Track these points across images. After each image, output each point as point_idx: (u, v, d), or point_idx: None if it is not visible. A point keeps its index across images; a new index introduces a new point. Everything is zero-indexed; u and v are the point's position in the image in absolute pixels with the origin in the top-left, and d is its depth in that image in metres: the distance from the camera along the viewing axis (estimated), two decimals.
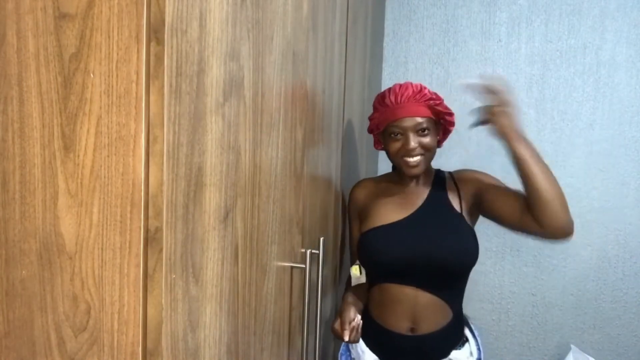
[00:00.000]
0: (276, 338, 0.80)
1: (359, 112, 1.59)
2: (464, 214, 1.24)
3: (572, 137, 2.05)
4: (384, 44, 2.20)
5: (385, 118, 1.23)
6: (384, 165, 2.22)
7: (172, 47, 0.43)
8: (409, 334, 1.22)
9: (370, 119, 1.31)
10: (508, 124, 1.12)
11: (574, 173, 2.06)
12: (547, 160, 2.17)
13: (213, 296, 0.54)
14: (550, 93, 2.06)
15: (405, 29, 2.17)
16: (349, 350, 1.35)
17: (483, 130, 2.22)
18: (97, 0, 0.42)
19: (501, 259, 2.13)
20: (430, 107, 1.22)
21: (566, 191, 2.03)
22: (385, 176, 1.39)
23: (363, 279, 1.30)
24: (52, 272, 0.45)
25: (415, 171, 1.22)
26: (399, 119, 1.20)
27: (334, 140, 1.20)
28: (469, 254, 1.20)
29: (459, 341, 1.26)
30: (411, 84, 1.24)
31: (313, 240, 1.01)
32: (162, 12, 0.42)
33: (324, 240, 0.97)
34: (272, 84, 0.69)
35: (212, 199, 0.53)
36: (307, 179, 0.93)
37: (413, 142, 1.19)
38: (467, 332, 1.29)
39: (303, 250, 0.93)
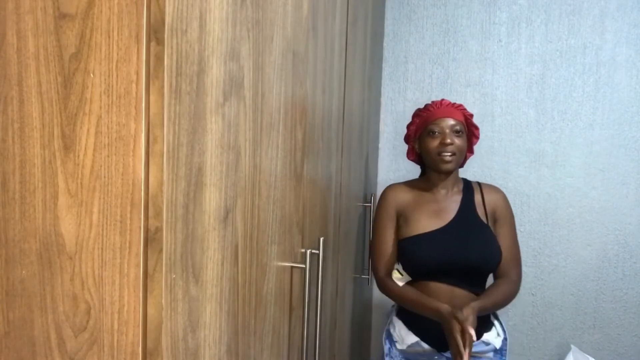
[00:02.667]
0: (276, 338, 0.80)
1: (359, 112, 1.59)
2: (489, 224, 1.47)
3: (572, 137, 2.05)
4: (384, 44, 2.20)
5: (426, 119, 1.46)
6: (385, 166, 2.22)
7: (172, 47, 0.43)
8: None
9: (409, 126, 1.53)
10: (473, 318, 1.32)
11: (574, 173, 2.06)
12: (547, 160, 2.17)
13: (213, 296, 0.55)
14: (550, 93, 2.06)
15: (405, 29, 2.17)
16: (389, 335, 1.53)
17: (483, 131, 2.21)
18: (97, 0, 0.42)
19: None
20: (464, 116, 1.47)
21: (566, 191, 2.05)
22: (415, 183, 1.57)
23: (407, 277, 1.48)
24: (52, 272, 0.45)
25: (449, 167, 1.42)
26: (439, 118, 1.43)
27: (334, 140, 1.20)
28: (496, 259, 1.43)
29: (488, 326, 1.46)
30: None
31: (313, 240, 1.01)
32: (162, 12, 0.42)
33: (324, 240, 0.97)
34: (272, 84, 0.70)
35: (212, 199, 0.53)
36: (307, 179, 0.93)
37: (449, 138, 1.40)
38: (492, 317, 1.50)
39: (303, 250, 0.93)
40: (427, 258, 1.41)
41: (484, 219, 1.47)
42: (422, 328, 1.44)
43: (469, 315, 1.28)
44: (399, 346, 1.48)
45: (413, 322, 1.46)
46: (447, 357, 1.44)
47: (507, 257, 1.46)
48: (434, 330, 1.39)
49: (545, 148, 2.07)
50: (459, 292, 1.41)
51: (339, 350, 1.47)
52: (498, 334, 1.46)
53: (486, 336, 1.44)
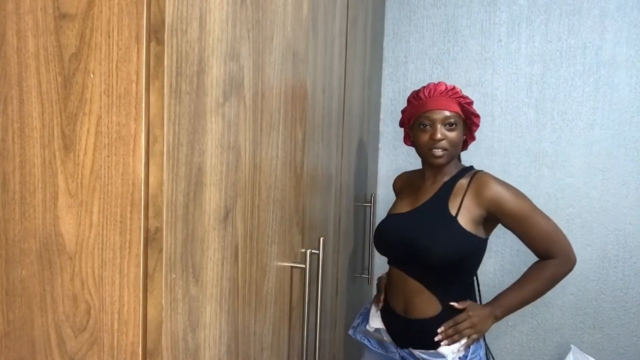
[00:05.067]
0: (276, 338, 0.80)
1: (359, 112, 1.59)
2: (460, 218, 1.28)
3: (572, 137, 2.05)
4: (384, 44, 2.20)
5: (417, 110, 1.35)
6: (385, 166, 2.22)
7: (172, 47, 0.43)
8: (403, 315, 1.36)
9: (403, 112, 1.43)
10: (479, 328, 1.28)
11: (574, 173, 2.06)
12: (547, 160, 2.17)
13: (213, 296, 0.55)
14: (550, 93, 2.06)
15: (405, 29, 2.17)
16: (367, 312, 1.50)
17: (483, 131, 2.21)
18: (97, 0, 0.42)
19: (501, 259, 2.13)
20: (460, 105, 1.33)
21: (566, 191, 2.05)
22: (417, 170, 1.54)
23: None
24: (52, 272, 0.45)
25: (440, 161, 1.32)
26: (429, 111, 1.32)
27: (333, 140, 1.20)
28: (443, 253, 1.25)
29: (452, 340, 1.27)
30: (445, 83, 1.36)
31: (313, 240, 1.01)
32: (162, 12, 0.42)
33: (324, 240, 0.97)
34: (272, 84, 0.70)
35: (212, 199, 0.53)
36: (307, 179, 0.93)
37: (439, 133, 1.29)
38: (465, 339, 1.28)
39: (303, 250, 0.93)
40: (380, 237, 1.41)
41: (454, 212, 1.28)
42: (387, 324, 1.41)
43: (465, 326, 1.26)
44: (366, 326, 1.45)
45: (383, 314, 1.43)
46: (401, 356, 1.38)
47: (542, 244, 1.27)
48: (394, 328, 1.38)
49: (545, 148, 2.07)
50: (413, 284, 1.32)
51: (339, 350, 1.47)
52: (459, 350, 1.27)
53: (443, 348, 1.27)
